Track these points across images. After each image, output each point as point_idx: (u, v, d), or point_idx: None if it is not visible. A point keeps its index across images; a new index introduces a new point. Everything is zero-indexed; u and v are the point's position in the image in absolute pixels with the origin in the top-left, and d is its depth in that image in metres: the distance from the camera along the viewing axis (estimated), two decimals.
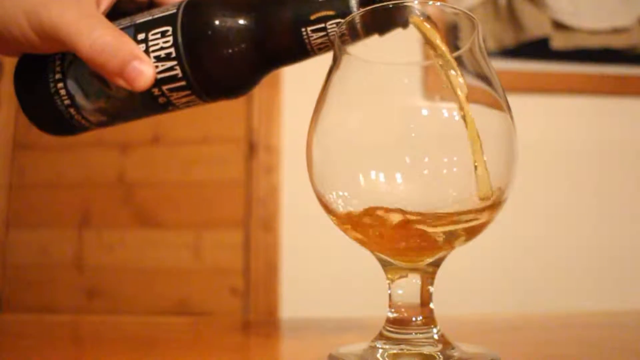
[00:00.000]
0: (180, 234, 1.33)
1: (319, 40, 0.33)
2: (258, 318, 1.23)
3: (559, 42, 1.34)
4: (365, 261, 0.46)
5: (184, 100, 0.35)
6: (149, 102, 0.35)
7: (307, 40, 0.33)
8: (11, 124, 1.44)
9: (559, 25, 1.35)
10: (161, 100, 0.35)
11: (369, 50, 0.31)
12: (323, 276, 1.24)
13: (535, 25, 1.33)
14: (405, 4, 0.31)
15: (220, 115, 1.37)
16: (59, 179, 1.41)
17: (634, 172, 1.33)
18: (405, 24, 0.31)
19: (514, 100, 0.33)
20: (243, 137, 1.35)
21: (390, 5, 0.31)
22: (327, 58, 0.34)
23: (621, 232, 1.29)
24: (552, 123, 1.33)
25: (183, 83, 0.34)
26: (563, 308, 1.19)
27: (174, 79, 0.33)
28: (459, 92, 0.29)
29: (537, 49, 1.34)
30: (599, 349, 0.36)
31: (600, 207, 1.30)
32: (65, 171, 1.41)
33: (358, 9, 0.32)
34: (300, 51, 0.34)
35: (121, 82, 0.31)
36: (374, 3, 0.31)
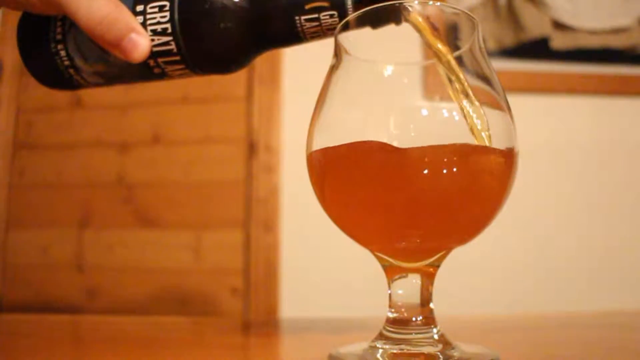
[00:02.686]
0: (180, 234, 1.33)
1: (312, 30, 0.34)
2: (258, 318, 1.23)
3: (559, 42, 1.34)
4: (365, 261, 0.46)
5: (178, 72, 0.36)
6: (145, 71, 0.36)
7: (300, 28, 0.34)
8: (11, 124, 1.43)
9: (559, 25, 1.35)
10: (156, 70, 0.36)
11: (369, 50, 0.31)
12: (323, 276, 1.24)
13: (535, 25, 1.33)
14: (400, 2, 0.31)
15: (221, 115, 1.37)
16: (59, 179, 1.41)
17: (634, 172, 1.33)
18: (398, 21, 0.31)
19: (514, 100, 0.33)
20: (243, 137, 1.35)
21: (385, 4, 0.31)
22: (327, 58, 0.34)
23: (621, 232, 1.29)
24: (552, 123, 1.33)
25: (177, 58, 0.35)
26: (563, 308, 1.19)
27: (169, 53, 0.34)
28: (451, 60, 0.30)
29: (537, 49, 1.34)
30: (599, 349, 0.36)
31: (601, 207, 1.30)
32: (65, 171, 1.41)
33: (352, 3, 0.32)
34: (293, 37, 0.35)
35: (117, 53, 0.32)
36: None
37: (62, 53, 0.36)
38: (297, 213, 1.27)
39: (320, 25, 0.34)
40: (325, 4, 0.33)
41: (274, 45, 0.36)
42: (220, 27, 0.34)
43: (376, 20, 0.31)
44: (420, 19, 0.30)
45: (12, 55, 1.41)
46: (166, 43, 0.34)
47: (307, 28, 0.34)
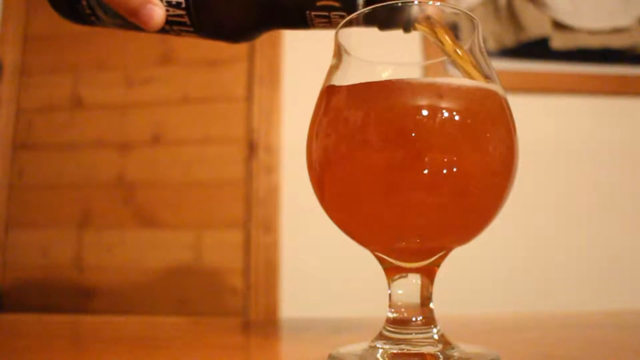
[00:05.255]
0: (180, 234, 1.33)
1: (321, 23, 0.35)
2: (258, 318, 1.23)
3: (559, 42, 1.34)
4: (365, 261, 0.46)
5: (190, 36, 0.38)
6: (160, 30, 0.37)
7: (309, 20, 0.35)
8: (11, 124, 1.43)
9: (559, 25, 1.35)
10: (171, 33, 0.38)
11: (369, 50, 0.31)
12: (323, 276, 1.24)
13: (535, 25, 1.33)
14: (409, 3, 0.31)
15: (220, 115, 1.37)
16: (59, 179, 1.41)
17: (634, 172, 1.33)
18: (407, 28, 0.31)
19: (514, 100, 0.33)
20: (243, 137, 1.35)
21: (396, 7, 0.31)
22: (327, 58, 0.34)
23: (621, 232, 1.29)
24: (552, 123, 1.33)
25: (190, 29, 0.37)
26: (563, 308, 1.19)
27: (182, 23, 0.36)
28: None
29: (537, 49, 1.34)
30: (599, 349, 0.36)
31: (600, 207, 1.30)
32: (65, 171, 1.41)
33: (364, 7, 0.32)
34: (301, 25, 0.36)
35: (134, 21, 0.35)
36: (380, 2, 0.31)
37: (84, 3, 0.38)
38: (297, 213, 1.27)
39: (329, 21, 0.34)
40: (336, 4, 0.33)
41: (282, 27, 0.38)
42: (232, 8, 0.35)
43: (385, 22, 0.32)
44: (436, 29, 0.30)
45: (12, 55, 1.41)
46: (180, 16, 0.36)
47: (317, 22, 0.35)
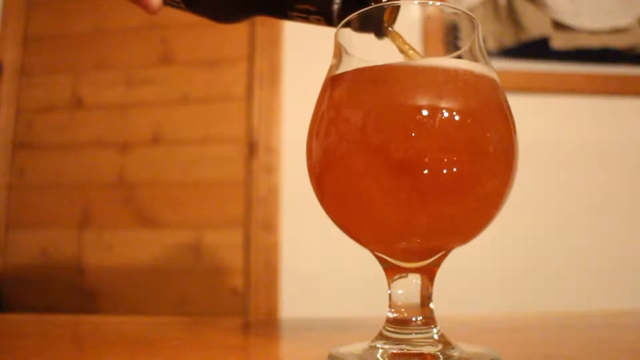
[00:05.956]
0: (180, 234, 1.33)
1: (301, 20, 0.37)
2: (258, 318, 1.23)
3: (559, 42, 1.34)
4: (365, 261, 0.46)
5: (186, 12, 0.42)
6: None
7: (291, 18, 0.37)
8: (11, 124, 1.43)
9: (559, 25, 1.35)
10: (170, 7, 0.41)
11: (369, 50, 0.31)
12: (323, 276, 1.24)
13: (535, 25, 1.33)
14: (381, 10, 0.31)
15: (221, 115, 1.37)
16: (59, 179, 1.41)
17: (634, 172, 1.33)
18: (380, 35, 0.32)
19: (514, 100, 0.33)
20: (243, 137, 1.35)
21: (367, 14, 0.31)
22: (327, 58, 0.34)
23: (621, 232, 1.29)
24: (552, 123, 1.33)
25: (187, 11, 0.40)
26: (563, 308, 1.19)
27: (178, 7, 0.41)
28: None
29: (537, 49, 1.34)
30: (599, 349, 0.36)
31: (600, 207, 1.30)
32: (65, 171, 1.41)
33: (337, 14, 0.33)
34: (285, 19, 0.38)
35: (135, 4, 0.39)
36: (356, 9, 0.32)
37: None
38: (297, 213, 1.27)
39: (308, 20, 0.35)
40: (312, 8, 0.34)
41: (268, 16, 0.40)
42: (221, 2, 0.38)
43: (360, 27, 0.32)
44: (400, 41, 0.31)
45: (12, 55, 1.41)
46: (176, 2, 0.40)
47: (298, 20, 0.37)
